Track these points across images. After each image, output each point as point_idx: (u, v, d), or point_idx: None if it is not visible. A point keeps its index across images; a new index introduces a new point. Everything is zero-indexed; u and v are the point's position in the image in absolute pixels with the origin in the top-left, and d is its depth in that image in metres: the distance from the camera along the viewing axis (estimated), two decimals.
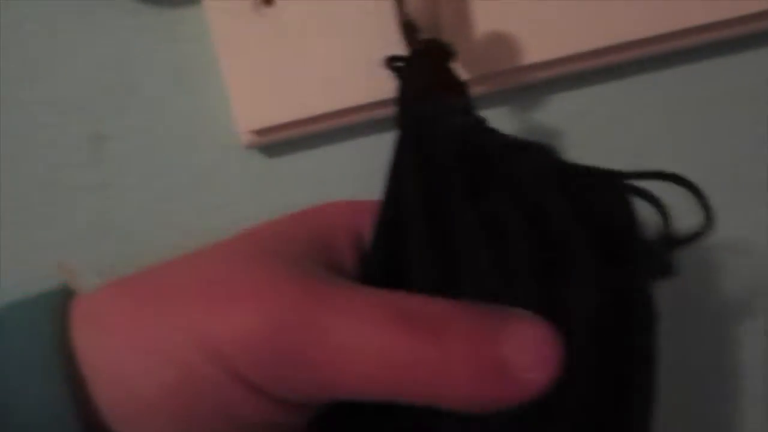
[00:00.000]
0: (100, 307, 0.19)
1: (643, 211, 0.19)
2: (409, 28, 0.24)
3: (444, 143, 0.20)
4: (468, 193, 0.19)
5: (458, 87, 0.23)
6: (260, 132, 0.31)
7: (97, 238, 0.36)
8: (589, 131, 0.31)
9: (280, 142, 0.32)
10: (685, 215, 0.19)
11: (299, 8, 0.30)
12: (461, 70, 0.29)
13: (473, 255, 0.19)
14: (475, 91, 0.30)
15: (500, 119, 0.31)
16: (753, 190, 0.31)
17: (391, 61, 0.23)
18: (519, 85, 0.30)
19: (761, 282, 0.31)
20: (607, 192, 0.19)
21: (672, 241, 0.19)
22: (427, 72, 0.22)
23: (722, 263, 0.31)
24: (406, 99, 0.22)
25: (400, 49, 0.26)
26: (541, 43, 0.28)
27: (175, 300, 0.18)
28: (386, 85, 0.29)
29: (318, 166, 0.33)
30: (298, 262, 0.18)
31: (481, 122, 0.22)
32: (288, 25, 0.30)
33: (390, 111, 0.29)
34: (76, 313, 0.19)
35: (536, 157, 0.20)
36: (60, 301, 0.19)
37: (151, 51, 0.34)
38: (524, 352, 0.17)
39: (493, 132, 0.21)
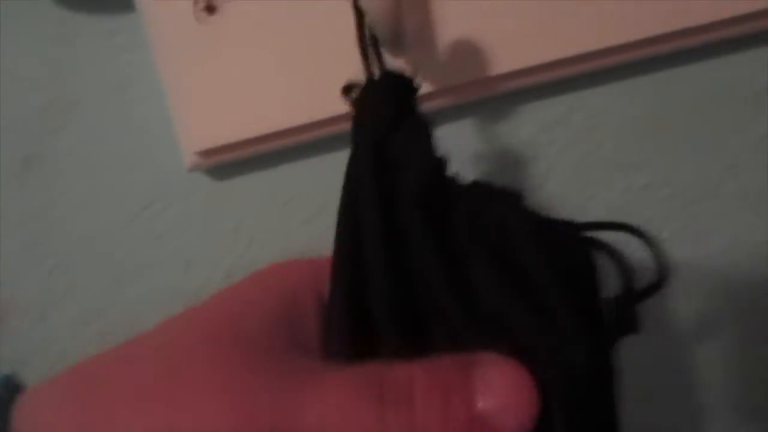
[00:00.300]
0: (48, 408, 0.18)
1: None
2: (365, 50, 0.22)
3: (405, 187, 0.19)
4: (433, 241, 0.18)
5: (420, 121, 0.21)
6: (205, 153, 0.28)
7: (27, 270, 0.32)
8: (566, 140, 0.29)
9: (226, 163, 0.29)
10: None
11: (245, 17, 0.27)
12: (427, 83, 0.27)
13: (442, 306, 0.18)
14: (444, 102, 0.28)
15: (474, 130, 0.29)
16: (733, 196, 0.29)
17: (348, 90, 0.22)
18: (491, 95, 0.28)
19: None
20: (572, 247, 0.19)
21: (634, 298, 0.19)
22: (385, 106, 0.20)
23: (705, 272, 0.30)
24: (361, 134, 0.20)
25: (356, 60, 0.24)
26: (508, 54, 0.26)
27: (134, 399, 0.17)
28: (339, 100, 0.26)
29: (268, 188, 0.31)
30: (262, 344, 0.18)
31: (443, 162, 0.20)
32: (233, 36, 0.27)
33: (344, 127, 0.27)
34: (22, 413, 0.17)
35: (505, 207, 0.19)
36: (4, 399, 0.18)
37: (85, 64, 0.31)
38: (497, 399, 0.16)
39: (453, 177, 0.20)
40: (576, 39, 0.26)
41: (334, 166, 0.30)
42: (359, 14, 0.21)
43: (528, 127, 0.29)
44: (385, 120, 0.20)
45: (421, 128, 0.20)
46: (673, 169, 0.30)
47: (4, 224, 0.32)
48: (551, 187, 0.30)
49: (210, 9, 0.27)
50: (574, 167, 0.30)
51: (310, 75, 0.27)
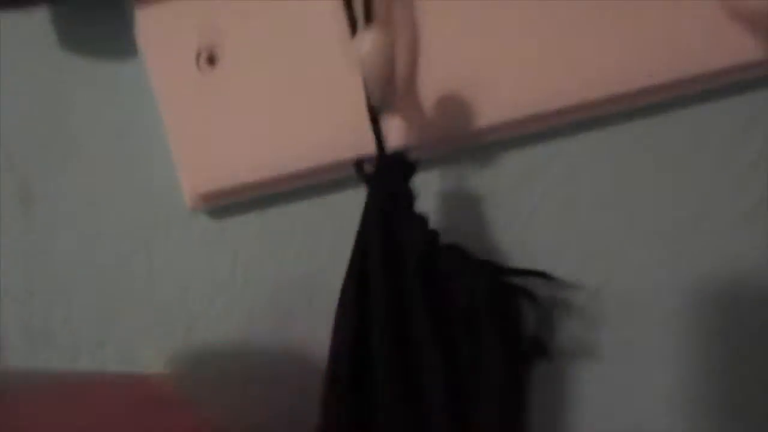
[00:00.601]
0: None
1: None
2: (377, 124, 0.25)
3: (406, 265, 0.25)
4: (424, 307, 0.24)
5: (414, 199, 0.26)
6: (205, 196, 0.30)
7: (26, 307, 0.33)
8: (546, 186, 0.31)
9: (225, 203, 0.31)
10: None
11: (245, 68, 0.28)
12: (414, 135, 0.28)
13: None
14: (430, 152, 0.29)
15: (458, 177, 0.31)
16: (707, 235, 0.31)
17: (360, 165, 0.26)
18: (472, 146, 0.30)
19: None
20: (510, 297, 0.27)
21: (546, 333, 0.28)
22: (392, 185, 0.25)
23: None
24: (372, 205, 0.25)
25: (350, 108, 0.26)
26: (492, 107, 0.28)
27: None
28: (334, 148, 0.28)
29: (264, 227, 0.32)
30: None
31: (435, 237, 0.26)
32: (233, 85, 0.28)
33: (338, 174, 0.29)
34: None
35: (475, 276, 0.26)
36: None
37: (88, 104, 0.32)
38: None
39: (444, 248, 0.26)
40: (558, 93, 0.28)
41: (328, 208, 0.32)
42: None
43: (510, 175, 0.31)
44: (391, 197, 0.25)
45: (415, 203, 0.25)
46: (651, 211, 0.31)
47: (5, 257, 0.33)
48: (533, 230, 0.31)
49: (211, 60, 0.28)
50: (555, 212, 0.31)
51: (307, 124, 0.28)
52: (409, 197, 0.25)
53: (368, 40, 0.21)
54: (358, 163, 0.25)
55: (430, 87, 0.28)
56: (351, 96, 0.26)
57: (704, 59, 0.27)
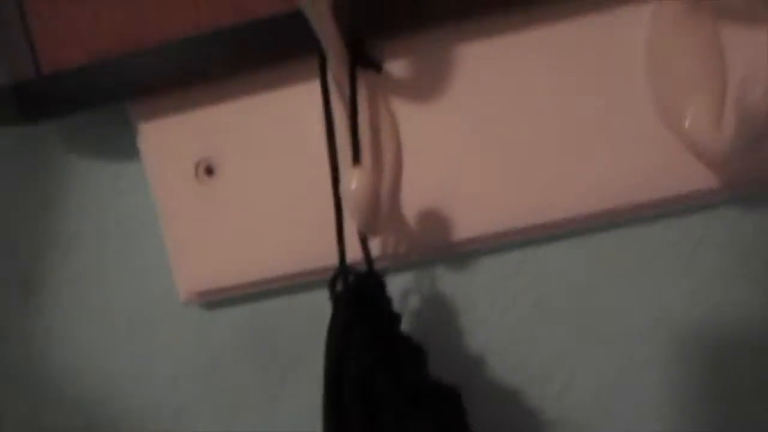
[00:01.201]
0: None
1: None
2: (342, 246, 0.27)
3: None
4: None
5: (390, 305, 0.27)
6: (198, 294, 0.31)
7: (25, 385, 0.35)
8: (518, 288, 0.33)
9: (217, 300, 0.33)
10: None
11: (241, 178, 0.30)
12: (395, 248, 0.30)
13: None
14: (410, 259, 0.31)
15: (434, 278, 0.33)
16: (663, 342, 0.33)
17: (334, 281, 0.27)
18: (451, 254, 0.32)
19: None
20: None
21: None
22: (356, 302, 0.27)
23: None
24: (337, 317, 0.26)
25: (330, 220, 0.28)
26: (468, 223, 0.30)
27: None
28: (319, 254, 0.30)
29: (250, 319, 0.34)
30: None
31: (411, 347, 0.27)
32: (228, 194, 0.30)
33: (319, 276, 0.31)
34: None
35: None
36: None
37: (90, 202, 0.34)
38: None
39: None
40: (527, 212, 0.30)
41: (307, 305, 0.33)
42: (339, 213, 0.26)
43: (484, 276, 0.33)
44: (353, 313, 0.26)
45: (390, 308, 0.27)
46: (612, 317, 0.33)
47: (4, 339, 0.35)
48: (504, 330, 0.33)
49: (209, 171, 0.30)
50: (525, 312, 0.33)
51: (294, 231, 0.30)
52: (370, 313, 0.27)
53: (355, 179, 0.23)
54: (333, 279, 0.27)
55: (411, 205, 0.30)
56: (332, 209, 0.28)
57: (657, 187, 0.30)
